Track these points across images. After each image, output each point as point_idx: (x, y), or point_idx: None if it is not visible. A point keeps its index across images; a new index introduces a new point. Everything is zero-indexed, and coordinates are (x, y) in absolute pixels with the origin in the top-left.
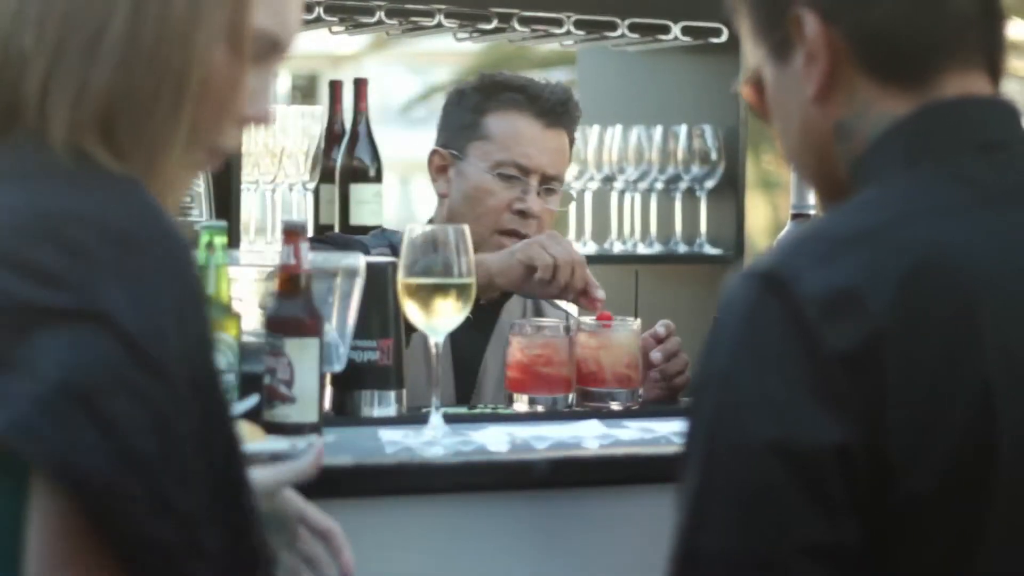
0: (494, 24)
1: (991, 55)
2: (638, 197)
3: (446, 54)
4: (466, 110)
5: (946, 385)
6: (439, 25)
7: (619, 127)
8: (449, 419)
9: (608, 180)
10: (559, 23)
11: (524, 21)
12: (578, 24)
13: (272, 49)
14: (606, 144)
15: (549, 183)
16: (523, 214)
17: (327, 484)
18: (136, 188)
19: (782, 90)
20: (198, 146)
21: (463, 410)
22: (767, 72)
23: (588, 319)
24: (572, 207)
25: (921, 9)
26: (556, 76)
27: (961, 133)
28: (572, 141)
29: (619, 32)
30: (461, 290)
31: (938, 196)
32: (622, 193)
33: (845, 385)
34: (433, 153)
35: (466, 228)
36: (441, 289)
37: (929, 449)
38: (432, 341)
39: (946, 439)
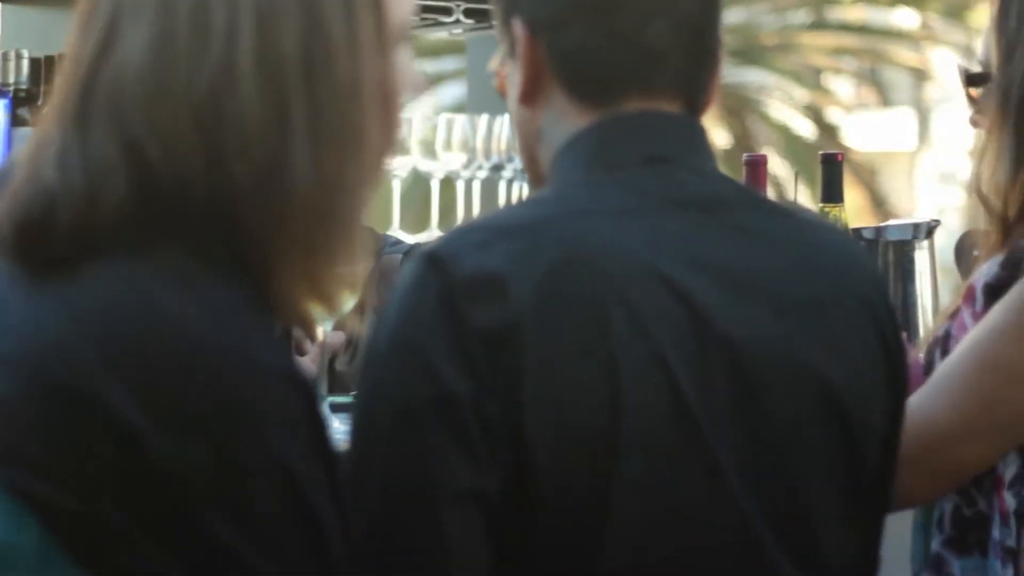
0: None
1: (685, 86)
2: None
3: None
4: None
5: (578, 368)
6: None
7: None
8: None
9: None
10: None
11: None
12: None
13: None
14: None
15: None
16: None
17: None
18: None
19: (509, 86)
20: None
21: None
22: (507, 67)
23: None
24: None
25: (611, 40)
26: None
27: (631, 146)
28: None
29: None
30: None
31: (603, 199)
32: None
33: (484, 361)
34: None
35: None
36: None
37: (561, 426)
38: None
39: (577, 417)
